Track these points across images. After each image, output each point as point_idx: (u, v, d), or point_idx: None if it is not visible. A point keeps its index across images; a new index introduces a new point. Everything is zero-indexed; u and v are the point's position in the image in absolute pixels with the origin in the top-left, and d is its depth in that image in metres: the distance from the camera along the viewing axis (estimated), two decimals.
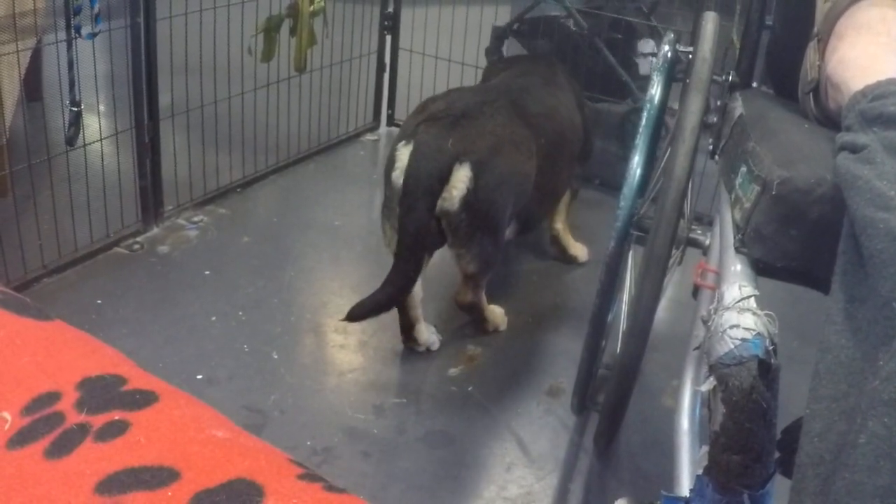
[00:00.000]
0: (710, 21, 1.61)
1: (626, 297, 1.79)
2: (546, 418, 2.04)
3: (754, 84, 1.85)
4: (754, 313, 1.02)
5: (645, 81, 2.10)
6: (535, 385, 2.15)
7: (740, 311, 1.02)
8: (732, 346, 0.98)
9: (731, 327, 1.00)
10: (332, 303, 2.39)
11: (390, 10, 3.47)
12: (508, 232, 2.29)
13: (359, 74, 3.48)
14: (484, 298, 2.30)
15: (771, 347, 1.00)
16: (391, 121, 3.60)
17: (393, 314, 2.17)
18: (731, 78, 1.79)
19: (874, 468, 0.80)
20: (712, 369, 1.00)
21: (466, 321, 2.35)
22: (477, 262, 2.15)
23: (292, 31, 3.04)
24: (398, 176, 2.06)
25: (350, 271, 2.57)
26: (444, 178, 2.03)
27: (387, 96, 3.61)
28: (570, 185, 2.60)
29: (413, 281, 2.09)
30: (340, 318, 2.08)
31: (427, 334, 2.24)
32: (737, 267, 1.12)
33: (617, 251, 1.44)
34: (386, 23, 3.49)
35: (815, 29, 1.52)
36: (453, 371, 2.18)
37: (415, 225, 2.03)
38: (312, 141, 3.34)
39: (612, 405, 1.53)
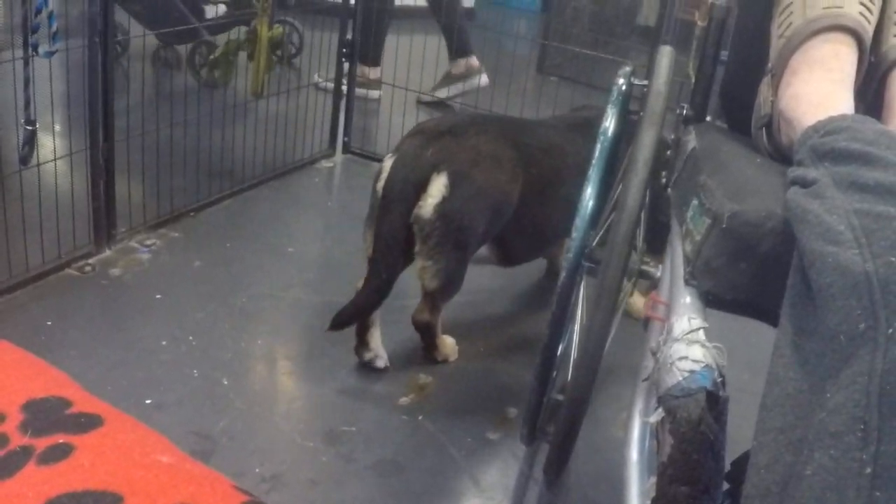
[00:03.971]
0: (664, 55, 1.63)
1: (577, 328, 1.79)
2: (496, 448, 2.04)
3: (708, 118, 1.88)
4: (703, 345, 1.02)
5: None
6: (486, 414, 2.15)
7: (689, 343, 1.02)
8: (681, 378, 0.99)
9: (680, 359, 1.00)
10: (284, 329, 2.38)
11: (349, 37, 3.48)
12: (490, 256, 2.32)
13: (315, 101, 3.48)
14: (439, 324, 2.31)
15: (719, 379, 1.01)
16: (347, 148, 3.61)
17: (343, 342, 2.16)
18: (685, 111, 1.81)
19: (820, 500, 0.80)
20: (661, 401, 1.00)
21: (417, 350, 2.35)
22: (440, 278, 2.17)
23: (250, 57, 3.05)
24: (381, 185, 2.13)
25: (303, 298, 2.56)
26: (421, 186, 2.10)
27: (343, 124, 3.62)
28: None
29: (388, 284, 2.13)
30: (292, 344, 2.08)
31: (378, 342, 2.27)
32: (686, 299, 1.12)
33: (568, 282, 1.45)
34: (344, 50, 3.49)
35: (769, 64, 1.54)
36: (404, 400, 2.17)
37: (390, 229, 2.09)
38: (268, 166, 3.34)
39: (561, 436, 1.53)
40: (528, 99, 3.17)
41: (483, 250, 2.32)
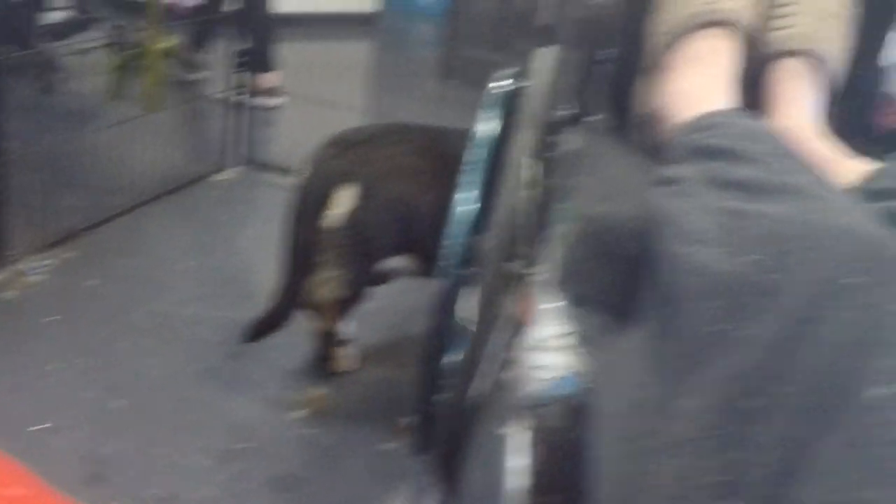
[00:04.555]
0: (545, 55, 1.61)
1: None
2: (391, 458, 2.03)
3: (594, 117, 1.87)
4: (563, 352, 1.01)
5: None
6: (382, 425, 2.14)
7: (546, 350, 1.02)
8: (541, 387, 0.98)
9: (540, 367, 0.99)
10: (181, 345, 2.35)
11: (247, 48, 3.45)
12: (412, 267, 2.30)
13: (213, 114, 3.45)
14: (338, 335, 2.31)
15: (586, 385, 1.00)
16: (245, 160, 3.57)
17: (240, 357, 2.14)
18: (569, 112, 1.81)
19: None
20: (526, 409, 0.99)
21: (311, 364, 2.35)
22: (346, 287, 2.17)
23: (141, 71, 3.01)
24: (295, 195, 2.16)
25: (199, 313, 2.53)
26: (329, 197, 2.10)
27: (241, 136, 3.57)
28: None
29: (295, 294, 2.16)
30: (188, 360, 2.06)
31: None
32: (554, 304, 1.11)
33: (452, 291, 1.43)
34: (239, 60, 3.45)
35: (648, 62, 1.53)
36: (300, 413, 2.15)
37: (300, 238, 2.13)
38: (165, 182, 3.29)
39: (446, 447, 1.51)
40: (429, 105, 3.16)
41: (404, 262, 2.31)
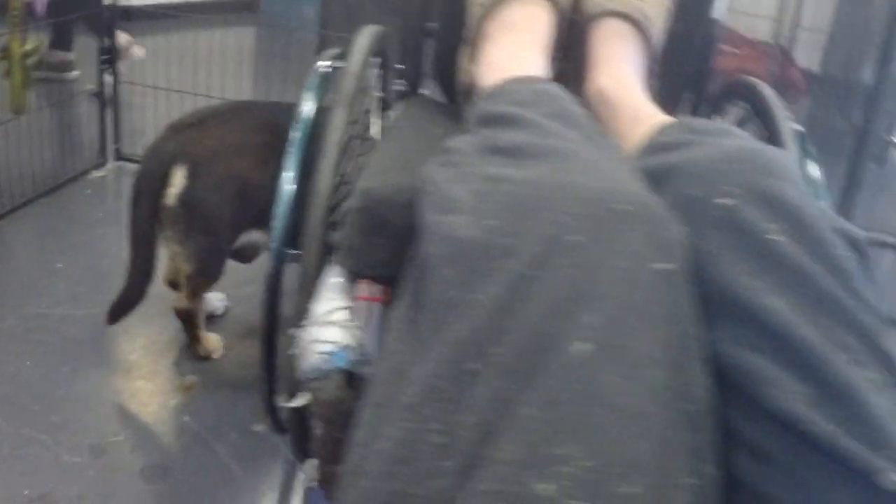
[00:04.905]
0: (363, 35, 1.62)
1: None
2: (262, 439, 2.06)
3: (424, 92, 1.89)
4: (340, 326, 1.04)
5: None
6: (252, 407, 2.16)
7: (325, 324, 1.04)
8: (318, 361, 1.00)
9: (316, 341, 1.02)
10: (52, 346, 2.35)
11: (108, 44, 3.42)
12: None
13: (84, 111, 3.43)
14: (202, 316, 2.36)
15: (360, 358, 1.02)
16: (119, 155, 3.55)
17: (110, 353, 2.15)
18: (398, 88, 1.82)
19: (391, 474, 0.78)
20: (303, 384, 1.02)
21: (182, 350, 2.36)
22: (194, 262, 2.23)
23: (5, 74, 2.98)
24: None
25: (72, 313, 2.52)
26: (165, 177, 2.19)
27: (113, 131, 3.55)
28: None
29: (147, 273, 2.24)
30: (60, 360, 2.07)
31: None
32: (330, 280, 1.13)
33: (275, 271, 1.45)
34: (104, 58, 3.43)
35: (466, 32, 1.54)
36: (170, 402, 2.17)
37: (139, 219, 2.21)
38: (37, 183, 3.24)
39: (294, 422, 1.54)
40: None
41: (261, 237, 2.34)
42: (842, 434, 0.75)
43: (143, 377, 2.25)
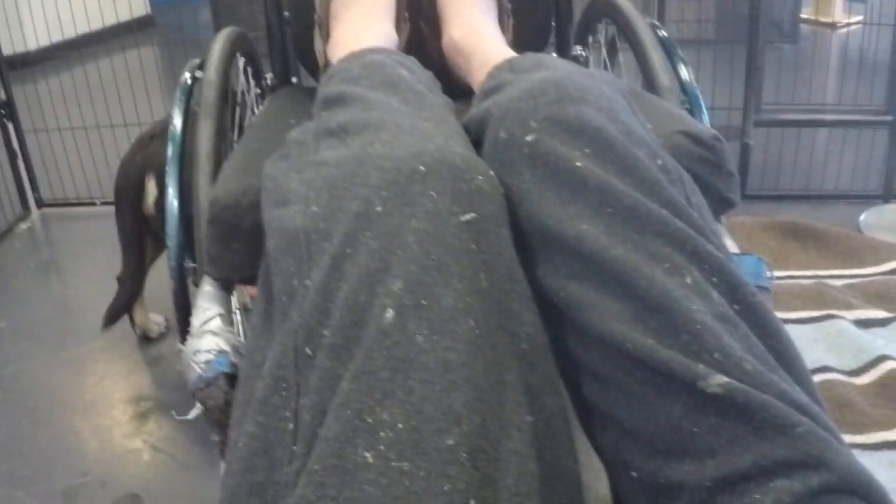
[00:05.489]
0: (218, 40, 1.62)
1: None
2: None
3: (294, 80, 1.90)
4: (214, 333, 1.07)
5: None
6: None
7: (200, 335, 1.07)
8: (200, 371, 1.03)
9: (195, 353, 1.05)
10: (11, 402, 2.36)
11: (3, 97, 3.40)
12: None
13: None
14: None
15: (237, 360, 1.05)
16: (42, 203, 3.54)
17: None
18: (267, 83, 1.84)
19: (249, 469, 0.81)
20: (193, 396, 1.05)
21: (133, 381, 2.39)
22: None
23: None
24: None
25: (23, 367, 2.53)
26: (140, 189, 2.38)
27: (28, 180, 3.55)
28: None
29: (139, 272, 2.45)
30: (22, 417, 2.09)
31: (144, 316, 2.55)
32: (203, 289, 1.16)
33: (179, 287, 1.47)
34: (2, 111, 3.41)
35: (316, 14, 1.55)
36: (130, 432, 2.20)
37: (123, 226, 2.42)
38: None
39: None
40: None
41: None
42: (660, 346, 0.78)
43: (100, 414, 2.27)
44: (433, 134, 0.93)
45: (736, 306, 0.83)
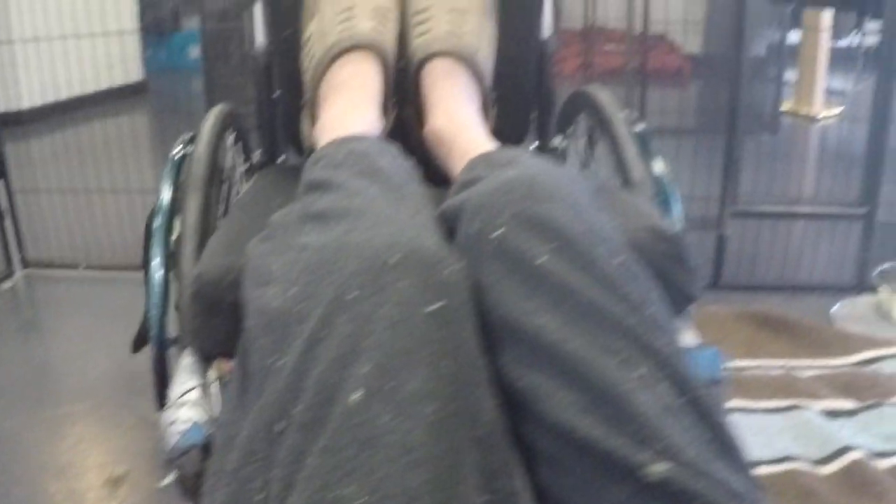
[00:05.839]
0: (209, 117, 1.67)
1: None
2: None
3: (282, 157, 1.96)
4: (191, 404, 1.11)
5: None
6: None
7: (178, 406, 1.11)
8: (176, 440, 1.08)
9: (172, 422, 1.09)
10: None
11: None
12: None
13: None
14: None
15: (211, 431, 1.09)
16: (26, 263, 3.55)
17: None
18: (255, 160, 1.89)
19: None
20: (168, 464, 1.09)
21: (110, 443, 2.40)
22: None
23: None
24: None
25: (9, 425, 2.56)
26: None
27: (15, 239, 3.55)
28: None
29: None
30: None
31: None
32: (183, 361, 1.21)
33: (158, 356, 1.50)
34: None
35: (305, 96, 1.61)
36: (103, 497, 2.21)
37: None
38: None
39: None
40: None
41: None
42: (608, 435, 0.84)
43: (75, 477, 2.28)
44: (408, 225, 0.99)
45: (683, 399, 0.88)
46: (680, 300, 1.26)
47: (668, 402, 0.86)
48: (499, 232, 0.98)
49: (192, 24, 6.70)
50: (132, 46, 5.72)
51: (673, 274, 1.23)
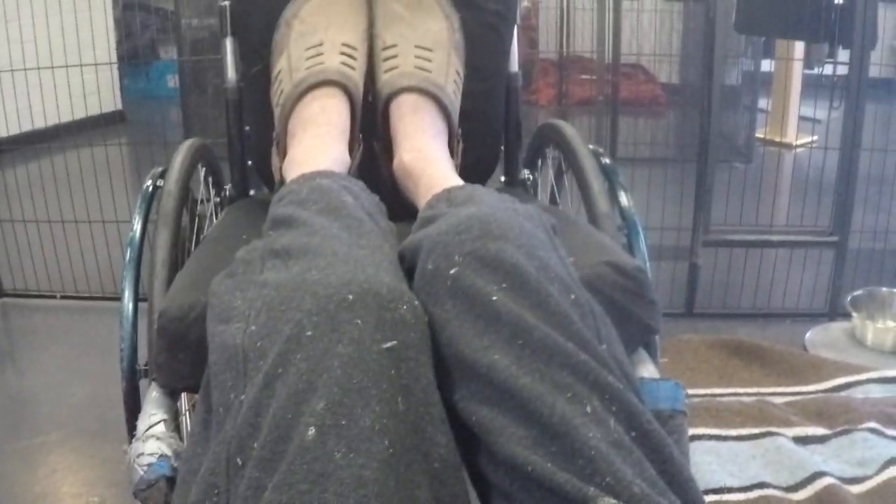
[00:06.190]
0: (181, 151, 1.69)
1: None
2: None
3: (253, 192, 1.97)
4: (157, 438, 1.13)
5: None
6: None
7: (144, 439, 1.13)
8: (142, 473, 1.09)
9: (139, 455, 1.11)
10: None
11: None
12: None
13: None
14: None
15: (176, 464, 1.11)
16: (2, 292, 3.55)
17: None
18: (226, 193, 1.90)
19: None
20: (135, 496, 1.10)
21: (86, 475, 2.40)
22: None
23: None
24: None
25: None
26: None
27: None
28: None
29: None
30: None
31: None
32: (151, 395, 1.23)
33: (129, 388, 1.50)
34: None
35: (274, 132, 1.63)
36: None
37: None
38: None
39: None
40: None
41: None
42: (557, 469, 0.86)
43: None
44: (366, 263, 1.01)
45: (633, 433, 0.90)
46: (641, 333, 1.29)
47: (617, 438, 0.89)
48: (454, 270, 1.01)
49: (171, 53, 6.72)
50: (110, 76, 5.73)
51: (633, 307, 1.26)
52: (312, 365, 0.89)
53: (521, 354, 0.93)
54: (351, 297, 0.93)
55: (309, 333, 0.91)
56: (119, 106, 6.04)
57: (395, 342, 0.92)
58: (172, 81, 6.39)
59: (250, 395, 0.90)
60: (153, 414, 1.18)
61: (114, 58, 5.96)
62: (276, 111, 1.61)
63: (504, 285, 0.98)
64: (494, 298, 0.97)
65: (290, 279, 0.99)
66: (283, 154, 1.57)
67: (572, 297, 1.02)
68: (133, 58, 6.59)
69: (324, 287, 0.95)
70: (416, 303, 0.99)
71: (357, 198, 1.26)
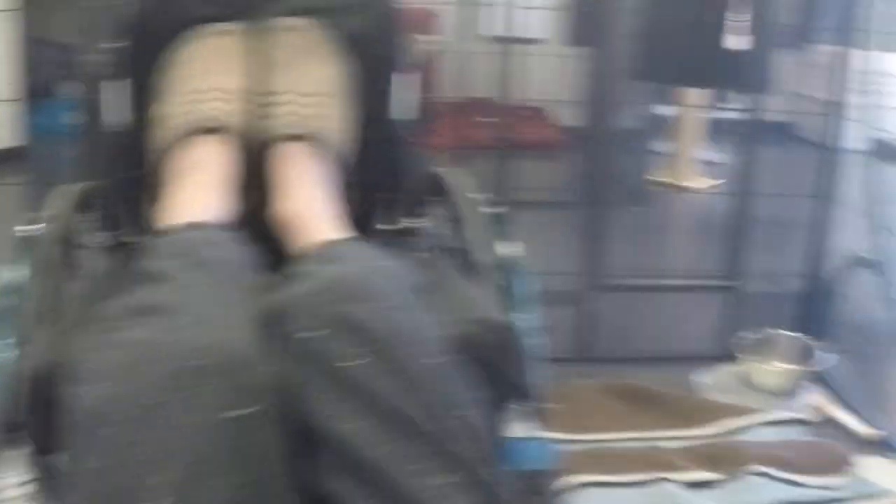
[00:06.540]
0: (58, 195, 1.63)
1: None
2: None
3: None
4: (26, 499, 1.10)
5: None
6: None
7: (11, 501, 1.10)
8: None
9: None
10: None
11: None
12: None
13: None
14: None
15: None
16: None
17: None
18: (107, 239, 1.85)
19: None
20: None
21: None
22: None
23: None
24: None
25: None
26: None
27: None
28: None
29: None
30: None
31: None
32: (18, 453, 1.18)
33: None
34: None
35: (146, 176, 1.58)
36: None
37: None
38: None
39: None
40: None
41: None
42: None
43: None
44: (223, 325, 0.99)
45: (487, 500, 0.90)
46: (509, 391, 1.28)
47: None
48: (314, 334, 1.00)
49: (70, 89, 6.60)
50: (10, 111, 5.62)
51: (502, 365, 1.25)
52: (160, 433, 0.87)
53: (375, 424, 0.93)
54: (203, 362, 0.92)
55: (159, 399, 0.89)
56: (19, 142, 5.92)
57: (244, 410, 0.90)
58: (70, 119, 6.28)
59: (94, 464, 0.88)
60: (22, 473, 1.14)
61: (15, 93, 5.85)
62: (150, 157, 1.57)
63: (362, 351, 0.98)
64: (352, 364, 0.96)
65: (145, 340, 0.97)
66: (153, 201, 1.53)
67: (432, 362, 1.01)
68: (32, 94, 6.47)
69: (176, 350, 0.93)
70: (269, 369, 0.97)
71: (228, 251, 1.24)
